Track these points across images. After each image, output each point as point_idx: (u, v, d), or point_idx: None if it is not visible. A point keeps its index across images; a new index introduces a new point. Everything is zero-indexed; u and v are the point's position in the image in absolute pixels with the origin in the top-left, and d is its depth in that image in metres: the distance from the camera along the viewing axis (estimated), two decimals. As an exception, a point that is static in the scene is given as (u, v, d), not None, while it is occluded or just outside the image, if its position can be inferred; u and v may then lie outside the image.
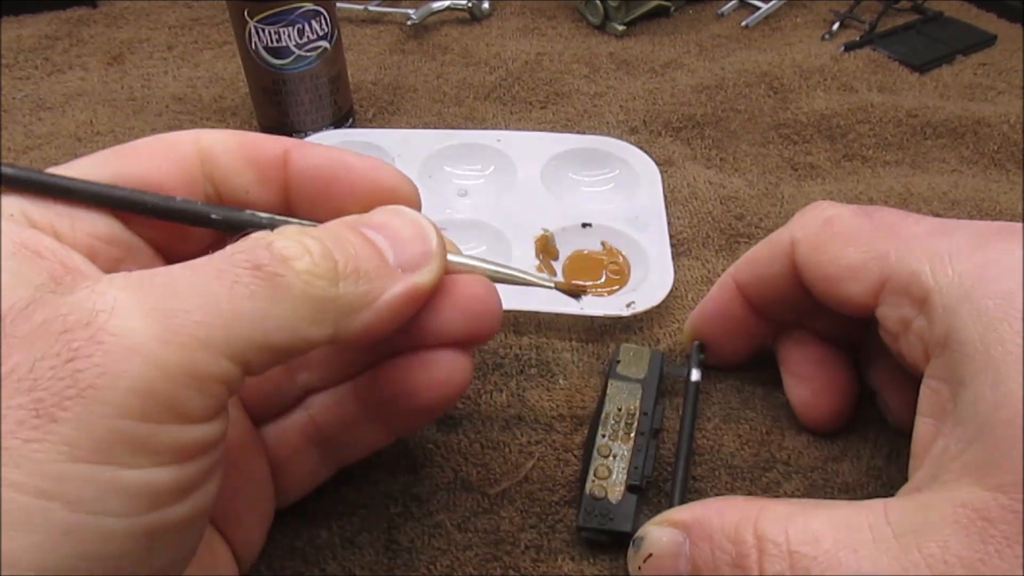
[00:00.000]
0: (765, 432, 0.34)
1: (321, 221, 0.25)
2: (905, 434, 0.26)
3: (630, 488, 0.31)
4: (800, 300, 0.31)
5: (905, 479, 0.25)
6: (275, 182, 0.28)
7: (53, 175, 0.25)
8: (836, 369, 0.34)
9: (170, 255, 0.27)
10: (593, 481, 0.31)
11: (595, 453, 0.32)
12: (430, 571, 0.30)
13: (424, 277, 0.24)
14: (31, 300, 0.20)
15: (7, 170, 0.24)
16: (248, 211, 0.26)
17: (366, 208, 0.26)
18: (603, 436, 0.32)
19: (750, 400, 0.36)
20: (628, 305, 0.39)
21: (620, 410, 0.33)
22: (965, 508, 0.20)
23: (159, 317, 0.19)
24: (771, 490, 0.32)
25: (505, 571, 0.30)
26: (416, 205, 0.28)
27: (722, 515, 0.24)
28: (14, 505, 0.17)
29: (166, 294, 0.20)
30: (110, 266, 0.25)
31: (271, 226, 0.24)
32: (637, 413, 0.33)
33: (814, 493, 0.32)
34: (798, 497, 0.32)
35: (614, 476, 0.31)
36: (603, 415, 0.33)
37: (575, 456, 0.34)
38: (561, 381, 0.37)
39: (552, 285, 0.29)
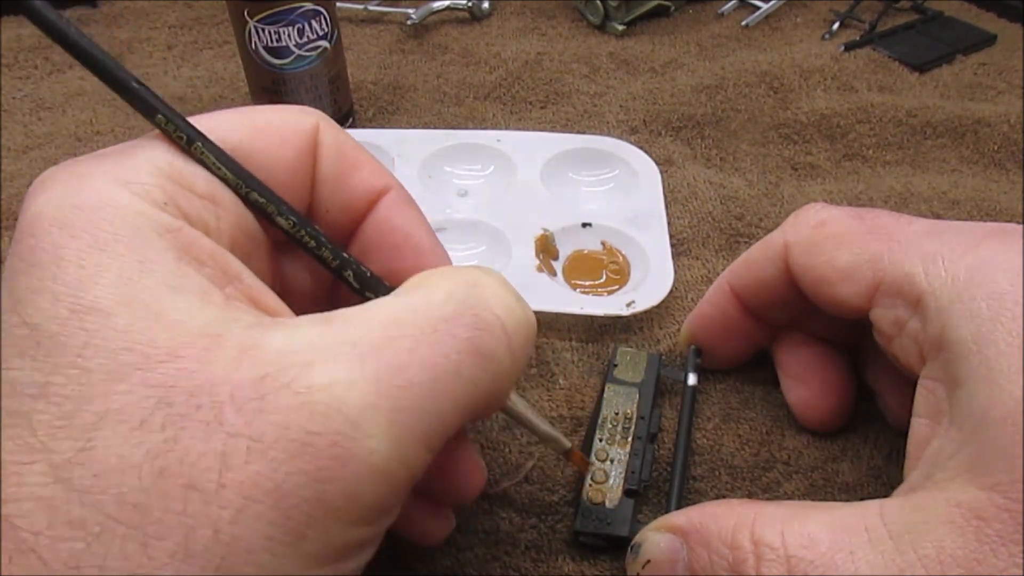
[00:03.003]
0: (765, 432, 0.34)
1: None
2: (905, 434, 0.26)
3: (627, 493, 0.31)
4: (795, 302, 0.31)
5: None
6: (353, 214, 0.27)
7: (213, 144, 0.23)
8: (833, 370, 0.34)
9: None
10: (590, 486, 0.31)
11: (592, 457, 0.32)
12: (430, 572, 0.30)
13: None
14: (261, 375, 0.18)
15: (165, 112, 0.22)
16: (349, 255, 0.25)
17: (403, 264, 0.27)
18: (600, 440, 0.32)
19: (750, 400, 0.36)
20: (628, 305, 0.39)
21: (617, 414, 0.33)
22: (960, 508, 0.20)
23: (398, 429, 0.19)
24: (771, 490, 0.32)
25: (505, 571, 0.30)
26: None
27: (718, 520, 0.24)
28: None
29: (396, 377, 0.19)
30: (242, 260, 0.23)
31: (365, 282, 0.25)
32: (634, 417, 0.33)
33: (814, 493, 0.32)
34: (798, 497, 0.32)
35: (611, 480, 0.31)
36: (600, 419, 0.33)
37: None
38: (561, 381, 0.37)
39: (569, 446, 0.30)
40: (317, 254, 0.25)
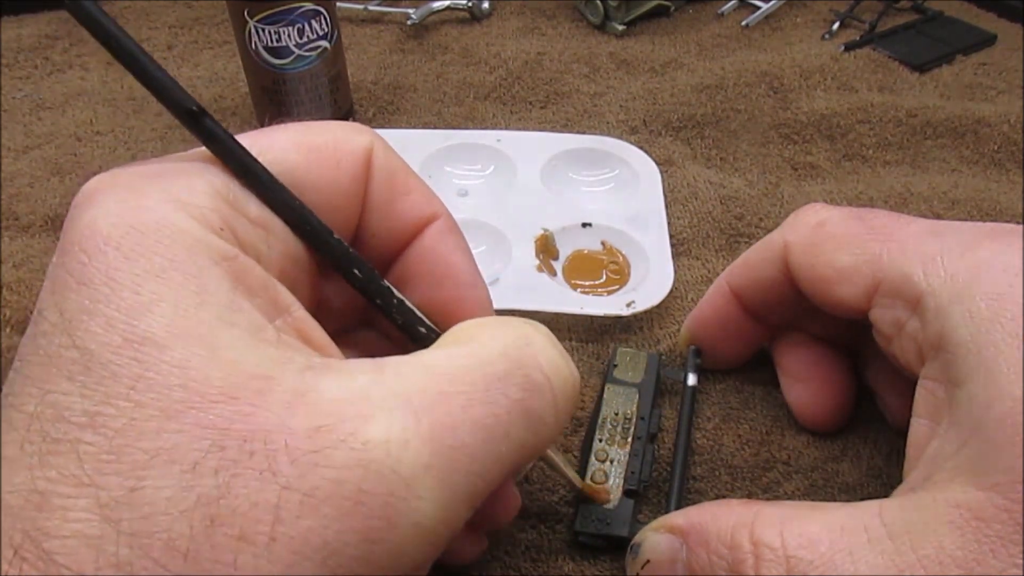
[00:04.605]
0: (765, 432, 0.34)
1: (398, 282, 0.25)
2: (905, 434, 0.26)
3: (627, 493, 0.31)
4: (794, 303, 0.32)
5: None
6: (399, 240, 0.26)
7: (274, 178, 0.22)
8: (832, 370, 0.34)
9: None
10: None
11: (592, 458, 0.32)
12: (429, 571, 0.30)
13: None
14: (316, 425, 0.18)
15: (230, 144, 0.21)
16: (386, 283, 0.25)
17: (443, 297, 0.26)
18: (600, 440, 0.32)
19: (750, 400, 0.36)
20: (628, 305, 0.39)
21: (617, 414, 0.33)
22: (960, 508, 0.20)
23: (448, 491, 0.19)
24: (771, 490, 0.32)
25: (505, 571, 0.30)
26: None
27: (718, 520, 0.24)
28: None
29: (449, 437, 0.19)
30: (289, 288, 0.22)
31: (399, 312, 0.24)
32: (634, 417, 0.33)
33: (814, 493, 0.32)
34: (798, 497, 0.32)
35: (611, 481, 0.31)
36: (600, 419, 0.33)
37: (575, 456, 0.34)
38: (560, 381, 0.37)
39: (580, 486, 0.30)
40: (351, 278, 0.24)
